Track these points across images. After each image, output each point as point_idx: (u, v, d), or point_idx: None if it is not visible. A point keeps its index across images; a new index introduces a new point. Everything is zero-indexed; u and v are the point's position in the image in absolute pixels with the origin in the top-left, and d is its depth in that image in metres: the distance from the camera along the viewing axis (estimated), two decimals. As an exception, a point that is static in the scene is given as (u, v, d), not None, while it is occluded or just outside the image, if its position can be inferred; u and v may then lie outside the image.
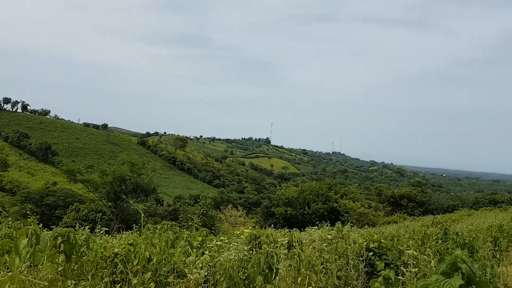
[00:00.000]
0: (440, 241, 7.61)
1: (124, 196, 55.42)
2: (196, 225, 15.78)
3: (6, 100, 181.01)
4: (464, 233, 8.92)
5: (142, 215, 8.47)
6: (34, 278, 4.49)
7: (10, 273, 3.84)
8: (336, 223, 9.11)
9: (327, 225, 10.76)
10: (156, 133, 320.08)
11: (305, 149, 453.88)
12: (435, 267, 5.25)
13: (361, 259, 6.33)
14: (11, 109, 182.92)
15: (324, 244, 6.59)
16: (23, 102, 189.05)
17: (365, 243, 6.64)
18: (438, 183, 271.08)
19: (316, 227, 10.91)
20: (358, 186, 78.18)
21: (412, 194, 57.52)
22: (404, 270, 5.04)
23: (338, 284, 5.36)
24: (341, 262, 5.91)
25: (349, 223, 11.93)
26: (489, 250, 8.56)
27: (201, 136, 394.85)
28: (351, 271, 5.89)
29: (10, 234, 6.45)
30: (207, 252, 6.05)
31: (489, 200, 59.05)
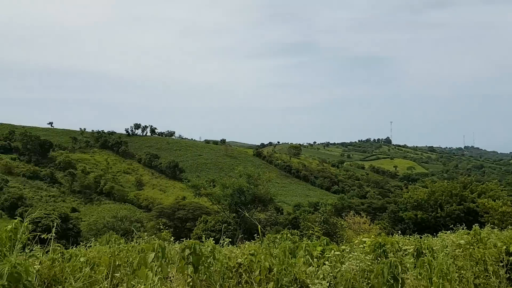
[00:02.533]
0: None
1: (240, 208, 57.76)
2: (317, 233, 15.58)
3: (137, 126, 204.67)
4: None
5: (259, 226, 8.56)
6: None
7: (143, 287, 4.15)
8: (473, 226, 8.15)
9: (462, 228, 9.66)
10: (270, 143, 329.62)
11: (432, 146, 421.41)
12: None
13: (501, 264, 5.51)
14: (141, 133, 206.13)
15: (458, 250, 5.88)
16: (151, 126, 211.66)
17: (505, 247, 5.77)
18: None
19: (449, 231, 9.88)
20: (498, 182, 69.36)
21: None
22: None
23: (476, 293, 4.71)
24: (478, 269, 5.20)
25: (489, 225, 10.58)
26: None
27: (314, 142, 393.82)
28: (490, 278, 5.15)
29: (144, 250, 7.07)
30: (327, 263, 5.85)
31: None
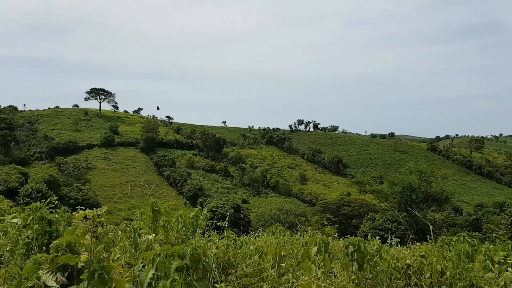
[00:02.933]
0: None
1: (411, 207, 53.94)
2: (502, 237, 13.51)
3: (300, 122, 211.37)
4: None
5: (431, 227, 7.85)
6: (330, 285, 4.81)
7: (307, 278, 4.23)
8: None
9: None
10: (447, 137, 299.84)
11: None
12: None
13: None
14: (304, 129, 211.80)
15: None
16: (314, 121, 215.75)
17: None
18: None
19: None
20: None
21: None
22: None
23: None
24: None
25: None
26: None
27: (500, 134, 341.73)
28: None
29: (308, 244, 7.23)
30: (510, 269, 5.02)
31: None
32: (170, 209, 6.51)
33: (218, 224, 6.96)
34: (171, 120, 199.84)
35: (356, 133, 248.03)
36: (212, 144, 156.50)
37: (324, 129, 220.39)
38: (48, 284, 2.44)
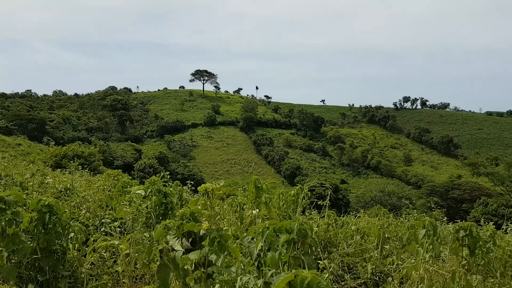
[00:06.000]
0: None
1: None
2: None
3: (406, 99, 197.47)
4: None
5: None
6: (439, 269, 4.63)
7: (414, 261, 4.12)
8: None
9: None
10: None
11: None
12: None
13: None
14: (410, 107, 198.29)
15: None
16: (422, 98, 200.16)
17: None
18: None
19: None
20: None
21: None
22: None
23: None
24: None
25: None
26: None
27: None
28: None
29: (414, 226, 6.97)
30: None
31: None
32: (270, 187, 6.76)
33: (317, 203, 7.05)
34: (269, 100, 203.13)
35: (470, 110, 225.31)
36: (310, 123, 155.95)
37: (433, 106, 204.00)
38: (175, 248, 2.79)
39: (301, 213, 6.90)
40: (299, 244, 3.08)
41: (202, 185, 3.28)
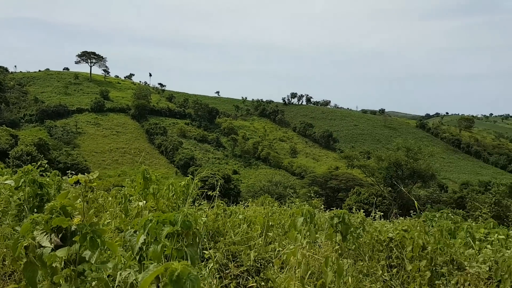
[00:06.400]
0: None
1: (395, 182, 54.89)
2: (485, 215, 13.95)
3: (293, 95, 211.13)
4: None
5: (416, 202, 8.08)
6: (315, 254, 4.99)
7: (292, 247, 4.38)
8: None
9: None
10: (437, 114, 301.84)
11: None
12: None
13: None
14: (297, 102, 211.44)
15: None
16: (307, 95, 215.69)
17: None
18: None
19: None
20: None
21: None
22: None
23: None
24: None
25: None
26: None
27: (491, 114, 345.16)
28: None
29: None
30: (489, 246, 5.24)
31: None
32: (161, 177, 6.59)
33: (208, 193, 7.08)
34: (163, 88, 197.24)
35: (348, 108, 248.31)
36: (204, 114, 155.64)
37: (316, 103, 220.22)
38: (43, 244, 2.53)
39: (191, 204, 6.85)
40: (184, 236, 3.04)
41: (74, 177, 3.03)
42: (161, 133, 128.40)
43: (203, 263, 4.71)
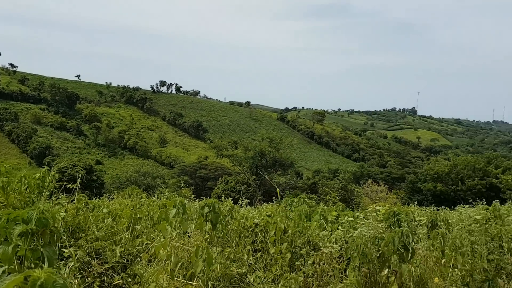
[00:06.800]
0: None
1: (261, 171, 58.39)
2: (334, 199, 15.73)
3: (162, 83, 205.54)
4: None
5: (278, 189, 8.69)
6: (184, 244, 5.01)
7: (163, 240, 4.33)
8: (494, 202, 8.06)
9: (482, 203, 9.56)
10: (295, 108, 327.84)
11: (458, 119, 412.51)
12: None
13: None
14: (166, 91, 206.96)
15: (474, 225, 5.87)
16: (177, 84, 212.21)
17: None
18: None
19: (468, 205, 9.80)
20: (525, 159, 67.49)
21: None
22: None
23: (487, 268, 4.74)
24: (493, 244, 5.21)
25: (510, 202, 10.42)
26: None
27: (339, 109, 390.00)
28: (505, 254, 5.17)
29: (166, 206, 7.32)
30: (340, 228, 5.98)
31: None
32: (11, 169, 5.84)
33: (68, 186, 6.50)
34: (15, 69, 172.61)
35: (217, 99, 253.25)
36: (63, 99, 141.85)
37: (186, 92, 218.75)
38: None
39: (48, 198, 6.21)
40: (40, 235, 2.76)
41: None
42: (12, 119, 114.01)
43: (62, 262, 4.33)
